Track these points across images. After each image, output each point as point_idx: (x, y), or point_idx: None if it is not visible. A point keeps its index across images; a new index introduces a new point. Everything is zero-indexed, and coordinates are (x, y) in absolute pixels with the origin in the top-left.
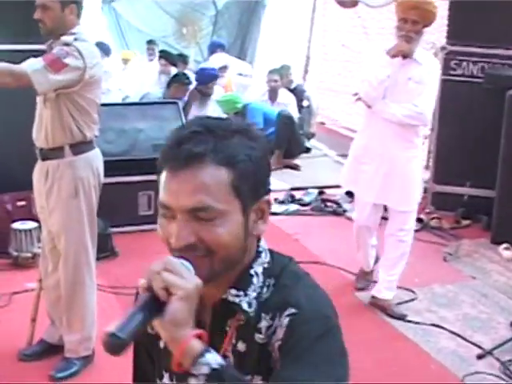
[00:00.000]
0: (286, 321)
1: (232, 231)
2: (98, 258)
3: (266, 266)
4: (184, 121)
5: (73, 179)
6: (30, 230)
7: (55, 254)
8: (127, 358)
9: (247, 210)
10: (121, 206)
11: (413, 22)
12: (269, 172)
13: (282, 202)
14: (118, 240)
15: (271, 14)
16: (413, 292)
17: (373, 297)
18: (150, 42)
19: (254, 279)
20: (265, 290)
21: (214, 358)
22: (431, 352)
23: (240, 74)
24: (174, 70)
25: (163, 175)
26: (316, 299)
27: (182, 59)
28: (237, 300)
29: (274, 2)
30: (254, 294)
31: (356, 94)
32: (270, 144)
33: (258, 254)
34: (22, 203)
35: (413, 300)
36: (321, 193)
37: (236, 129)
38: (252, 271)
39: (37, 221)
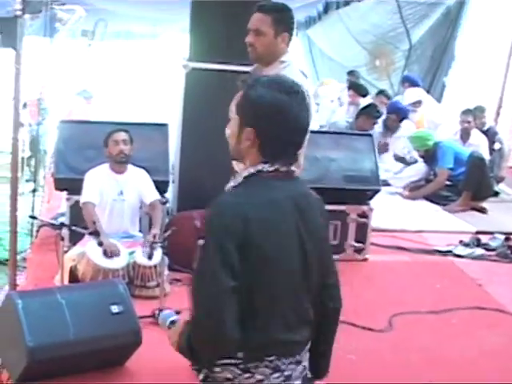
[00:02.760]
0: None
1: None
2: None
3: None
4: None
5: None
6: None
7: None
8: None
9: None
10: None
11: None
12: None
13: (467, 245)
14: None
15: (465, 52)
16: None
17: None
18: (350, 73)
19: None
20: None
21: None
22: None
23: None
24: (362, 102)
25: None
26: None
27: (384, 94)
28: None
29: (469, 41)
30: None
31: None
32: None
33: None
34: None
35: None
36: (507, 239)
37: None
38: None
39: None
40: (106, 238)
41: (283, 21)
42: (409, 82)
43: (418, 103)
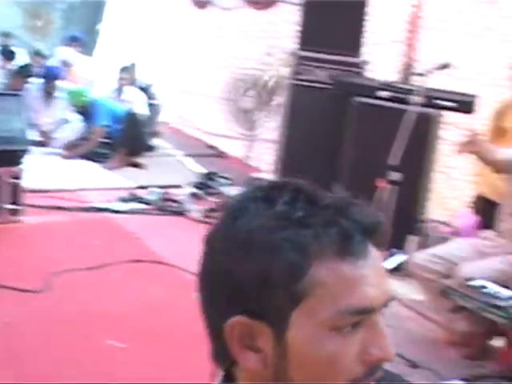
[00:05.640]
0: None
1: None
2: None
3: None
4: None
5: None
6: None
7: None
8: None
9: None
10: None
11: None
12: None
13: (124, 201)
14: None
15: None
16: None
17: None
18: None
19: None
20: None
21: None
22: None
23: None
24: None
25: (336, 270)
26: None
27: (39, 54)
28: None
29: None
30: None
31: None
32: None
33: None
34: None
35: None
36: (165, 192)
37: None
38: None
39: None
40: None
41: None
42: (71, 40)
43: (67, 62)
